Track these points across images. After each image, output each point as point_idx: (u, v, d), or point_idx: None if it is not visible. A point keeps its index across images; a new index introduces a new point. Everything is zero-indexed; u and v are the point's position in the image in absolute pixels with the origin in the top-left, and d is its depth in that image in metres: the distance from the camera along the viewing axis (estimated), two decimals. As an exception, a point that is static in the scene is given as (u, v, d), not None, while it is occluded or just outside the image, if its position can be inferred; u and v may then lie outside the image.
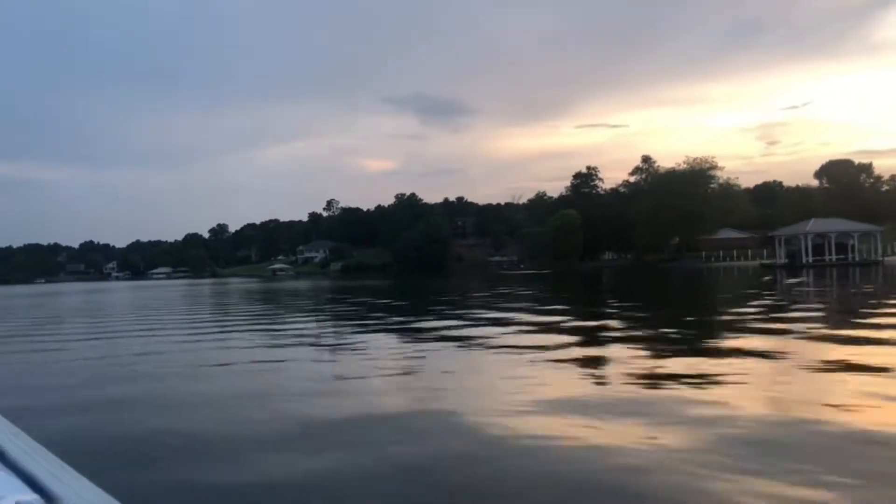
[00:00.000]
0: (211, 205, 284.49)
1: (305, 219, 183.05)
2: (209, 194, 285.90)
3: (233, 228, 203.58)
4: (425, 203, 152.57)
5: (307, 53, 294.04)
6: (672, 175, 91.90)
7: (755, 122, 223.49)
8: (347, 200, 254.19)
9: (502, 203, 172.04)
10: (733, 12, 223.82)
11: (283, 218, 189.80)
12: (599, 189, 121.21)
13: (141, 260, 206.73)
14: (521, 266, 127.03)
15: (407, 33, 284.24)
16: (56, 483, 0.76)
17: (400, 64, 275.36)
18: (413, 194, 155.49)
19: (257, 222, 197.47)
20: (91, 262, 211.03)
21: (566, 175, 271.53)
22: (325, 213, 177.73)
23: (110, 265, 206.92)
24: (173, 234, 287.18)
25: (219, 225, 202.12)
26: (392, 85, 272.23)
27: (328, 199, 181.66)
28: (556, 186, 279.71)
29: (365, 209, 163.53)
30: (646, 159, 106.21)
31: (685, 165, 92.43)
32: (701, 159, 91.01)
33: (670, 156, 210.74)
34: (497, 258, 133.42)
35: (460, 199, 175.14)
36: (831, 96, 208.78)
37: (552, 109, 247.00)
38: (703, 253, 77.53)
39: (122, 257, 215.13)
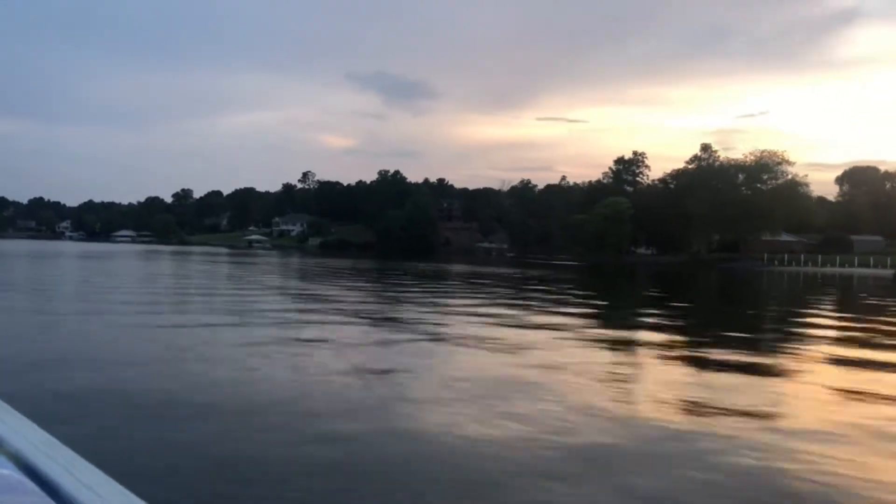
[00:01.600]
0: (168, 170, 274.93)
1: (274, 189, 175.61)
2: (167, 159, 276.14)
3: (196, 195, 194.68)
4: (411, 182, 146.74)
5: (272, 21, 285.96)
6: (737, 167, 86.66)
7: (712, 127, 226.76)
8: (299, 176, 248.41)
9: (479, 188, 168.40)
10: (699, 17, 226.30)
11: (241, 186, 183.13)
12: (644, 177, 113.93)
13: (97, 220, 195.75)
14: (511, 254, 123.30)
15: (373, 10, 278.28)
16: (43, 458, 0.76)
17: (364, 40, 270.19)
18: (397, 171, 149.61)
19: (223, 190, 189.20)
20: (42, 219, 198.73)
21: (523, 166, 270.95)
22: (299, 185, 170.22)
23: (64, 224, 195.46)
24: (128, 196, 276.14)
25: (183, 190, 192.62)
26: (355, 61, 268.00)
27: (303, 171, 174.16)
28: (514, 177, 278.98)
29: (345, 184, 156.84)
30: (705, 147, 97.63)
31: (752, 157, 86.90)
32: (770, 152, 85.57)
33: (627, 153, 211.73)
34: (486, 244, 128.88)
35: (441, 180, 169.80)
36: (787, 107, 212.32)
37: (514, 99, 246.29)
38: (765, 255, 72.76)
39: (76, 216, 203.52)
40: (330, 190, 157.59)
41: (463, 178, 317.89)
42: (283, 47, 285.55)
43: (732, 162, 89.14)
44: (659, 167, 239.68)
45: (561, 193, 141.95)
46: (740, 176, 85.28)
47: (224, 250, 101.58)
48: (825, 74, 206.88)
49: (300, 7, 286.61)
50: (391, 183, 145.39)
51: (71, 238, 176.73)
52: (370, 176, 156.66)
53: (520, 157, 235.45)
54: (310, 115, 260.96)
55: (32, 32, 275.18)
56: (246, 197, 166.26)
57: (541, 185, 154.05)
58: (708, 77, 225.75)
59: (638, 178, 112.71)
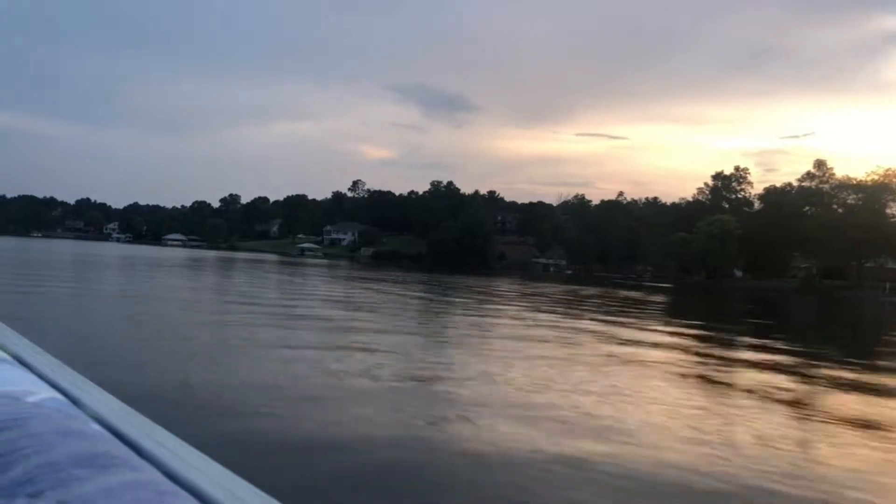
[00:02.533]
0: (211, 175, 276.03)
1: (319, 197, 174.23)
2: (210, 165, 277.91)
3: (242, 200, 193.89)
4: (464, 193, 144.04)
5: (313, 32, 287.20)
6: (855, 187, 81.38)
7: (755, 148, 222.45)
8: (342, 184, 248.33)
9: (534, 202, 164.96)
10: (743, 37, 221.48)
11: (292, 193, 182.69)
12: (747, 194, 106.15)
13: (144, 223, 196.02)
14: (569, 271, 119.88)
15: (414, 23, 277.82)
16: (77, 389, 0.86)
17: (405, 52, 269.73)
18: (451, 182, 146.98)
19: (270, 197, 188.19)
20: (90, 219, 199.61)
21: (560, 181, 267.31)
22: (349, 194, 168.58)
23: (111, 225, 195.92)
24: (171, 200, 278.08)
25: (231, 195, 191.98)
26: (396, 73, 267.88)
27: (346, 179, 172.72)
28: (551, 192, 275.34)
29: (397, 193, 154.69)
30: (819, 164, 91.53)
31: (875, 176, 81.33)
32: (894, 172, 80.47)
33: (668, 172, 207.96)
34: (543, 260, 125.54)
35: (492, 192, 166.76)
36: (833, 129, 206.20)
37: (553, 115, 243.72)
38: (887, 284, 67.44)
39: (124, 218, 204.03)
40: (381, 199, 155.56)
41: (504, 192, 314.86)
42: (325, 58, 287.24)
43: (851, 181, 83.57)
44: (696, 187, 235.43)
45: (620, 209, 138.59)
46: (852, 197, 80.00)
47: (286, 258, 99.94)
48: (872, 97, 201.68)
49: (341, 19, 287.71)
50: (444, 194, 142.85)
51: (118, 239, 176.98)
52: (409, 187, 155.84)
53: (558, 172, 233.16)
54: (350, 126, 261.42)
55: (82, 37, 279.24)
56: (295, 204, 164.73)
57: (595, 201, 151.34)
58: (752, 97, 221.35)
59: (738, 196, 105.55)
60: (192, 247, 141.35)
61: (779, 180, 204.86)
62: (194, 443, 0.68)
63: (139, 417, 0.79)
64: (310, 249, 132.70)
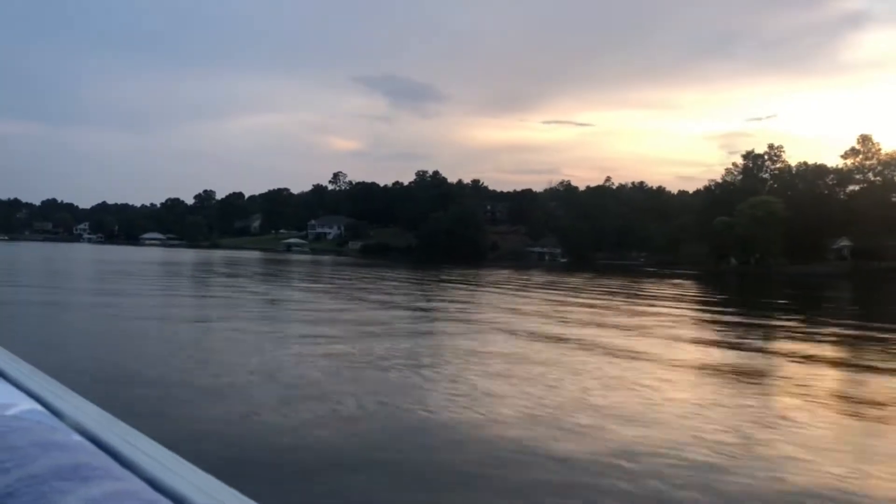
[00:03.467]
0: (178, 171, 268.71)
1: (296, 191, 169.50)
2: (175, 161, 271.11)
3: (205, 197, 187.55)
4: (452, 183, 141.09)
5: (277, 23, 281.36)
6: None
7: (719, 131, 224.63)
8: (316, 177, 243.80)
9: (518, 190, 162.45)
10: (706, 21, 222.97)
11: (248, 190, 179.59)
12: (782, 172, 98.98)
13: (115, 222, 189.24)
14: (564, 259, 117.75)
15: (380, 13, 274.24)
16: (57, 399, 0.84)
17: (371, 43, 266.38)
18: (436, 172, 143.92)
19: (245, 192, 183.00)
20: (58, 220, 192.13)
21: (529, 169, 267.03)
22: (330, 186, 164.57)
23: (81, 226, 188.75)
24: (139, 198, 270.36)
25: (205, 191, 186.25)
26: (362, 64, 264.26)
27: (320, 171, 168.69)
28: (522, 180, 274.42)
29: (382, 185, 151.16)
30: (864, 139, 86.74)
31: None
32: None
33: (635, 157, 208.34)
34: (537, 249, 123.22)
35: (476, 181, 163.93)
36: (795, 111, 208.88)
37: (520, 103, 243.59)
38: None
39: (93, 218, 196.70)
40: (364, 191, 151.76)
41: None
42: (290, 50, 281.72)
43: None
44: (666, 171, 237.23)
45: (610, 195, 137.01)
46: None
47: (275, 255, 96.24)
48: (833, 78, 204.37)
49: (306, 9, 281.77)
50: (430, 185, 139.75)
51: (90, 240, 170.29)
52: (376, 178, 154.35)
53: (526, 159, 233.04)
54: (317, 118, 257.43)
55: (41, 35, 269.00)
56: (275, 199, 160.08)
57: (580, 187, 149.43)
58: (715, 81, 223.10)
59: (773, 175, 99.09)
60: (171, 246, 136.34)
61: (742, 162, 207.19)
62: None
63: (121, 426, 0.77)
64: (296, 245, 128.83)
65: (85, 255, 69.88)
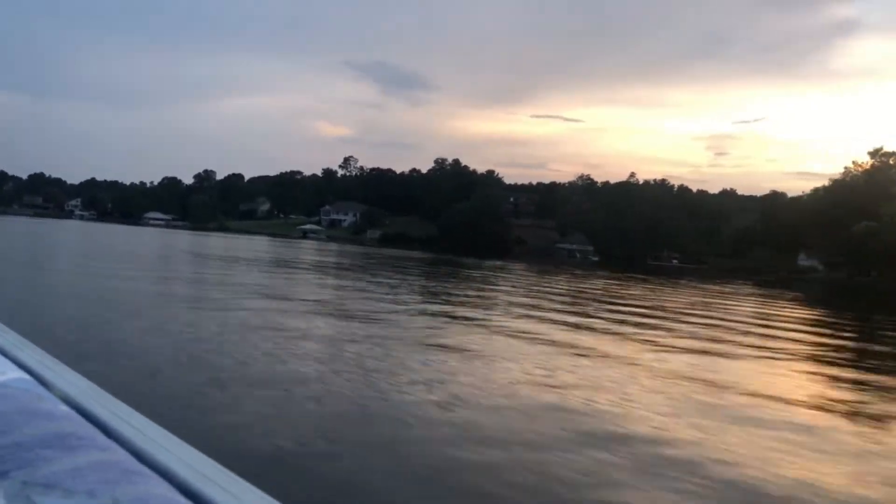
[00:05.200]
0: (167, 150, 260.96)
1: (272, 174, 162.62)
2: (162, 140, 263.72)
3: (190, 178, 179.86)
4: (474, 172, 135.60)
5: (267, 4, 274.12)
6: None
7: (707, 132, 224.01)
8: (299, 160, 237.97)
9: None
10: (699, 22, 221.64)
11: (242, 172, 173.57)
12: None
13: (108, 199, 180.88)
14: (595, 258, 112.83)
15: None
16: (45, 369, 0.84)
17: (363, 29, 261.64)
18: (457, 160, 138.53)
19: (244, 174, 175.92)
20: (48, 195, 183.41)
21: (517, 162, 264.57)
22: (340, 171, 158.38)
23: (73, 202, 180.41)
24: (128, 176, 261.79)
25: (205, 171, 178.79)
26: (354, 50, 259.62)
27: (345, 156, 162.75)
28: (509, 173, 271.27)
29: (398, 171, 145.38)
30: None
31: None
32: None
33: (622, 155, 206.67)
34: (566, 245, 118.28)
35: (490, 172, 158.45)
36: (783, 115, 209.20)
37: (511, 95, 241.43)
38: None
39: (84, 194, 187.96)
40: (378, 178, 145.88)
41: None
42: (280, 32, 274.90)
43: None
44: (653, 170, 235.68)
45: (638, 192, 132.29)
46: None
47: (301, 243, 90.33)
48: (823, 84, 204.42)
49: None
50: (452, 173, 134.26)
51: (82, 217, 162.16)
52: (367, 165, 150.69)
53: (514, 153, 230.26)
54: (305, 102, 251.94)
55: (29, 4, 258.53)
56: (285, 182, 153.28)
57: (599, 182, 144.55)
58: (705, 82, 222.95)
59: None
60: (177, 227, 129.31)
61: (728, 164, 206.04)
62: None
63: (107, 397, 0.78)
64: (312, 231, 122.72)
65: (123, 238, 63.68)
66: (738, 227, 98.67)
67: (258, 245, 67.29)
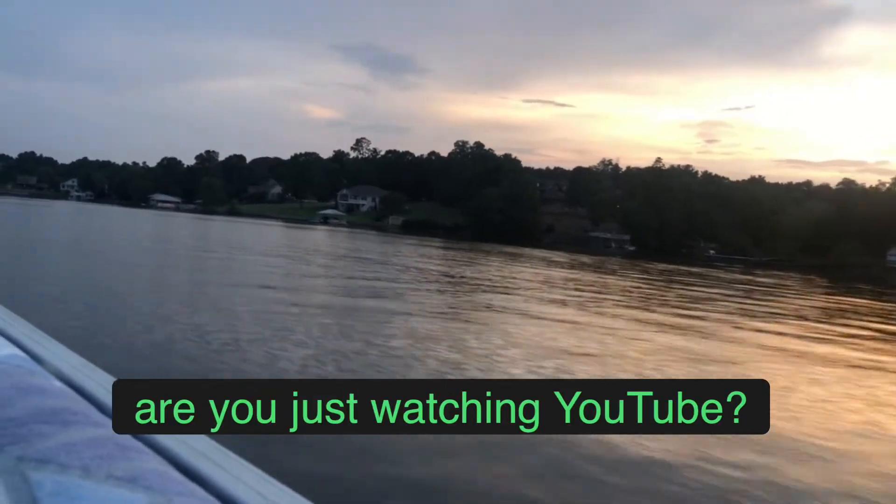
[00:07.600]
0: (155, 131, 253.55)
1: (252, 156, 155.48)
2: (147, 121, 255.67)
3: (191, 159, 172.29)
4: (499, 156, 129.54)
5: None
6: None
7: (697, 119, 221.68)
8: (288, 142, 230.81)
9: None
10: (690, 9, 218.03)
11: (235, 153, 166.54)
12: None
13: (104, 180, 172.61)
14: (632, 248, 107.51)
15: None
16: (38, 346, 0.84)
17: (353, 11, 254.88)
18: (480, 144, 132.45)
19: (243, 155, 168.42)
20: (42, 175, 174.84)
21: (508, 147, 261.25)
22: (352, 154, 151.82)
23: (69, 182, 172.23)
24: (120, 156, 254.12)
25: (207, 152, 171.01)
26: (342, 31, 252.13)
27: (357, 137, 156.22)
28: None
29: (417, 154, 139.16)
30: None
31: None
32: None
33: (612, 141, 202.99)
34: (601, 234, 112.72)
35: (507, 155, 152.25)
36: (773, 103, 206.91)
37: (502, 80, 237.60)
38: None
39: (77, 174, 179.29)
40: (394, 161, 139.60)
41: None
42: (267, 12, 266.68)
43: None
44: (643, 157, 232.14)
45: (665, 179, 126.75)
46: None
47: (321, 227, 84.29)
48: (813, 73, 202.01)
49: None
50: (478, 158, 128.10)
51: (78, 198, 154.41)
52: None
53: (505, 137, 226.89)
54: (292, 84, 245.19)
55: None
56: (299, 164, 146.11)
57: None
58: (695, 69, 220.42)
59: None
60: (188, 211, 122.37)
61: (718, 151, 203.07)
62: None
63: (101, 373, 0.77)
64: (334, 217, 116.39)
65: (174, 225, 57.55)
66: (804, 218, 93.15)
67: (308, 235, 61.42)
